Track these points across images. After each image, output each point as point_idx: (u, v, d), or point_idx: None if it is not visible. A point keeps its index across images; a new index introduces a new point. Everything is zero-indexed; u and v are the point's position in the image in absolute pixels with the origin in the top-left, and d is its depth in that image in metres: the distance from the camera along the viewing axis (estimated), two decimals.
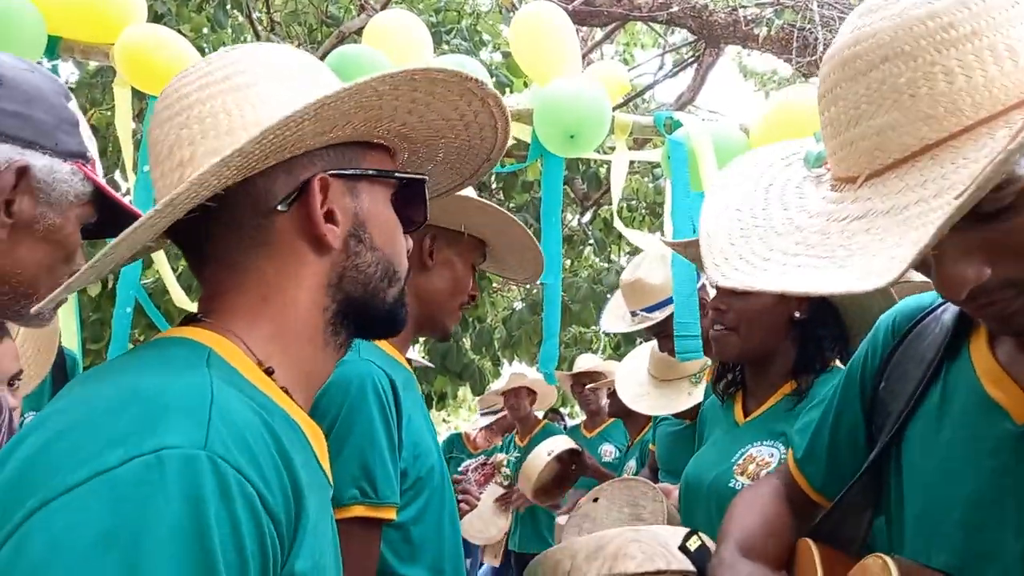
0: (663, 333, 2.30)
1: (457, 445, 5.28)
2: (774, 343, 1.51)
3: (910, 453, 0.84)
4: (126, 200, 1.01)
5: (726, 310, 1.53)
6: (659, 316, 2.28)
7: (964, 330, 0.84)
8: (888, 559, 0.70)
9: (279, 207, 0.73)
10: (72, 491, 0.53)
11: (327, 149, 0.75)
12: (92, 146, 0.96)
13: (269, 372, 0.72)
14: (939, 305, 0.91)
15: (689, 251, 1.68)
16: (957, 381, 0.82)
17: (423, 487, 1.25)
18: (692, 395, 2.47)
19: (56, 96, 0.92)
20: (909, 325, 0.92)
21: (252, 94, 0.72)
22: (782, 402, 1.50)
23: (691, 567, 0.88)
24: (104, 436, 0.56)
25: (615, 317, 2.57)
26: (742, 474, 1.44)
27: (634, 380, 2.74)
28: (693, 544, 0.89)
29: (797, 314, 1.48)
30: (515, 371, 4.76)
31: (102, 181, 0.96)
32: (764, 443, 1.46)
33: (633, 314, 2.37)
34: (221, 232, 0.74)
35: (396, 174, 0.82)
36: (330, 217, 0.74)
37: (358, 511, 1.12)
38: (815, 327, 1.48)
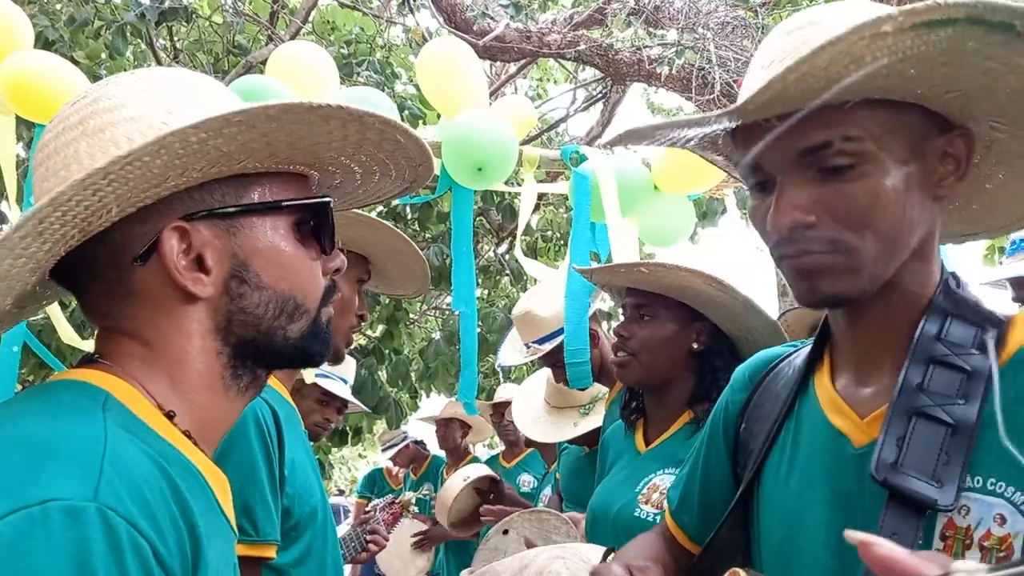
0: (555, 364, 2.34)
1: (379, 481, 5.17)
2: (673, 371, 1.56)
3: (767, 487, 0.88)
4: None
5: (629, 337, 1.58)
6: (547, 347, 2.31)
7: (812, 367, 0.89)
8: (742, 571, 0.72)
9: (136, 261, 0.69)
10: None
11: (194, 190, 0.71)
12: None
13: (170, 416, 0.69)
14: (793, 352, 0.96)
15: (600, 278, 1.72)
16: (806, 415, 0.86)
17: (305, 529, 1.22)
18: (579, 425, 2.52)
19: None
20: (765, 371, 0.97)
21: (105, 139, 0.68)
22: (681, 431, 1.54)
23: None
24: None
25: (512, 350, 2.59)
26: (647, 503, 1.47)
27: (529, 406, 2.79)
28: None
29: (695, 345, 1.54)
30: (436, 406, 4.72)
31: None
32: (667, 471, 1.49)
33: (527, 346, 2.40)
34: (88, 284, 0.72)
35: (283, 203, 0.76)
36: (200, 262, 0.71)
37: (238, 550, 1.08)
38: (712, 358, 1.53)
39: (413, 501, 3.18)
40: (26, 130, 2.89)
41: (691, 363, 1.55)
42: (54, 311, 2.35)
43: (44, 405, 0.64)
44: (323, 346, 0.80)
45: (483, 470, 3.02)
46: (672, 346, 1.54)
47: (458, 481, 2.93)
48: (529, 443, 3.81)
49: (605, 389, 2.55)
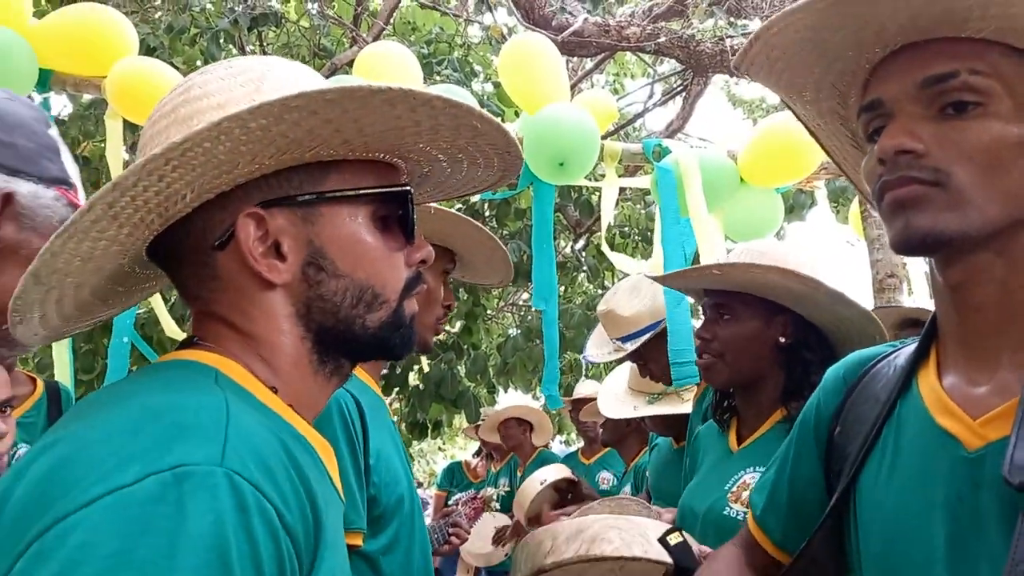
0: (639, 361, 2.31)
1: (457, 475, 5.23)
2: (761, 369, 1.51)
3: (866, 493, 0.83)
4: None
5: (711, 339, 1.53)
6: (630, 347, 2.28)
7: (915, 367, 0.84)
8: None
9: (216, 246, 0.71)
10: (86, 508, 0.52)
11: (271, 177, 0.71)
12: (74, 172, 0.97)
13: (274, 390, 0.71)
14: (892, 352, 0.91)
15: (674, 283, 1.68)
16: (908, 416, 0.81)
17: (392, 517, 1.23)
18: (638, 409, 2.48)
19: (37, 123, 0.92)
20: (861, 371, 0.92)
21: (192, 126, 0.69)
22: (774, 429, 1.48)
23: (668, 559, 0.87)
24: (119, 454, 0.55)
25: (598, 345, 2.57)
26: (736, 501, 1.43)
27: (613, 388, 2.74)
28: (674, 539, 0.88)
29: (782, 339, 1.48)
30: (508, 402, 4.74)
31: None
32: (757, 469, 1.45)
33: (613, 341, 2.39)
34: (178, 268, 0.75)
35: (360, 191, 0.75)
36: (277, 248, 0.71)
37: None
38: (801, 351, 1.47)
39: (495, 497, 3.20)
40: (131, 134, 3.05)
41: (779, 358, 1.49)
42: (157, 304, 2.48)
43: (161, 380, 0.66)
44: (403, 340, 0.78)
45: (561, 471, 3.01)
46: (757, 343, 1.49)
47: (535, 484, 2.94)
48: (607, 441, 3.77)
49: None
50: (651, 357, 2.26)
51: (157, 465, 0.54)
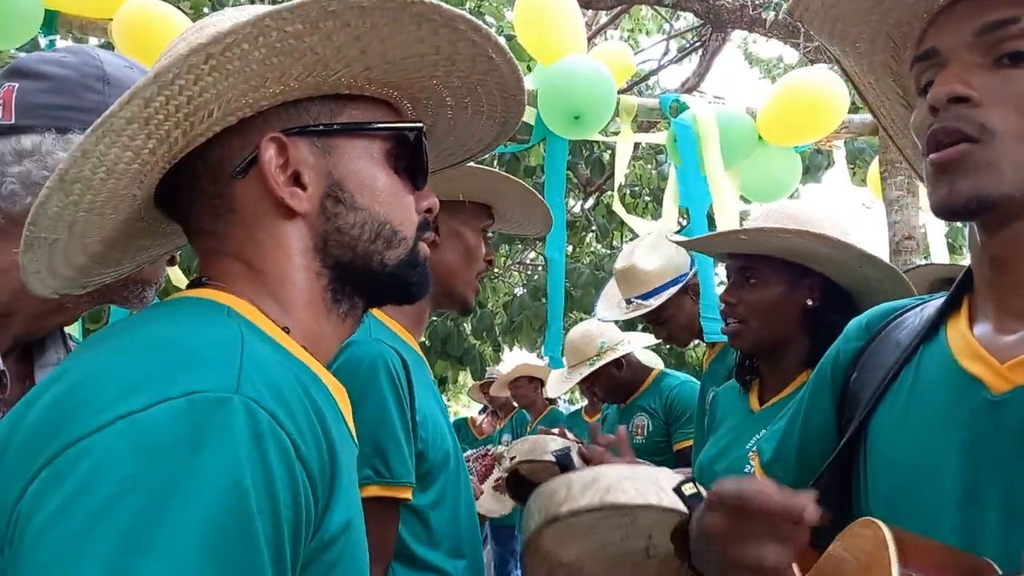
0: (658, 320, 2.30)
1: (463, 431, 5.28)
2: (788, 333, 1.47)
3: (877, 436, 0.82)
4: None
5: (736, 303, 1.50)
6: (654, 303, 2.27)
7: (945, 316, 0.83)
8: (882, 525, 0.64)
9: (234, 174, 0.70)
10: (97, 433, 0.51)
11: (289, 106, 0.71)
12: None
13: (287, 330, 0.70)
14: (921, 303, 0.89)
15: (699, 246, 1.65)
16: (930, 361, 0.80)
17: (439, 473, 1.23)
18: (581, 372, 2.78)
19: (95, 80, 0.91)
20: (886, 320, 0.91)
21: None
22: (799, 390, 1.47)
23: (682, 507, 0.87)
24: (130, 380, 0.54)
25: (610, 305, 2.56)
26: (755, 460, 1.42)
27: (559, 373, 3.10)
28: (688, 489, 0.87)
29: (809, 302, 1.45)
30: (518, 361, 4.79)
31: None
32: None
33: (628, 301, 2.37)
34: (190, 203, 0.73)
35: (377, 125, 0.75)
36: (297, 179, 0.70)
37: (373, 491, 1.11)
38: (828, 313, 1.43)
39: (506, 455, 3.24)
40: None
41: (806, 321, 1.46)
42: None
43: (172, 314, 0.65)
44: (420, 278, 0.78)
45: (559, 443, 3.04)
46: (784, 307, 1.45)
47: (544, 453, 2.98)
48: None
49: (615, 339, 2.76)
50: (670, 315, 2.25)
51: (169, 391, 0.53)
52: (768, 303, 1.46)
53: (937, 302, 0.86)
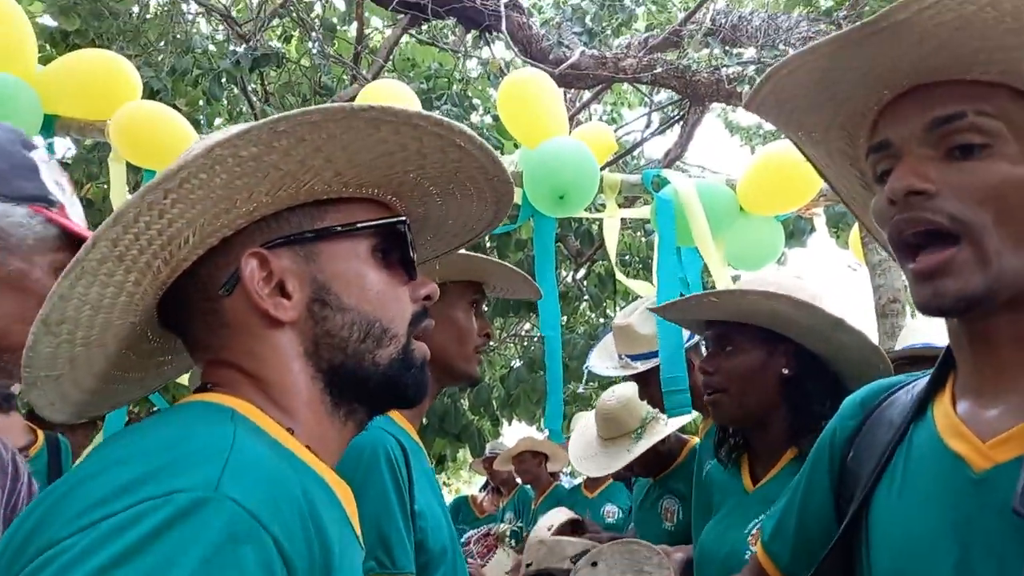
0: (644, 384, 2.30)
1: (464, 510, 5.16)
2: (767, 402, 1.48)
3: (876, 517, 0.84)
4: None
5: (714, 372, 1.51)
6: (640, 367, 2.27)
7: (931, 394, 0.85)
8: None
9: (221, 291, 0.72)
10: (78, 533, 0.52)
11: (270, 218, 0.73)
12: (62, 194, 0.96)
13: (291, 431, 0.71)
14: (911, 381, 0.92)
15: (671, 314, 1.67)
16: (920, 440, 0.82)
17: (438, 564, 1.23)
18: (632, 450, 2.48)
19: (11, 144, 0.93)
20: (879, 398, 0.93)
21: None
22: (788, 467, 1.46)
23: None
24: (118, 483, 0.55)
25: (604, 357, 2.56)
26: (756, 544, 1.41)
27: (583, 442, 2.75)
28: None
29: (785, 371, 1.46)
30: (517, 434, 4.72)
31: (72, 223, 0.94)
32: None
33: (620, 357, 2.38)
34: (186, 320, 0.75)
35: (357, 225, 0.76)
36: (282, 288, 0.72)
37: None
38: (804, 382, 1.45)
39: (508, 533, 3.17)
40: (134, 176, 3.08)
41: (784, 390, 1.47)
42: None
43: (175, 418, 0.67)
44: (415, 382, 0.78)
45: (564, 515, 2.98)
46: (761, 374, 1.46)
47: (542, 531, 2.91)
48: (615, 475, 3.75)
49: (655, 411, 2.53)
50: (654, 381, 2.25)
51: (151, 491, 0.54)
52: (745, 370, 1.47)
53: (925, 380, 0.88)
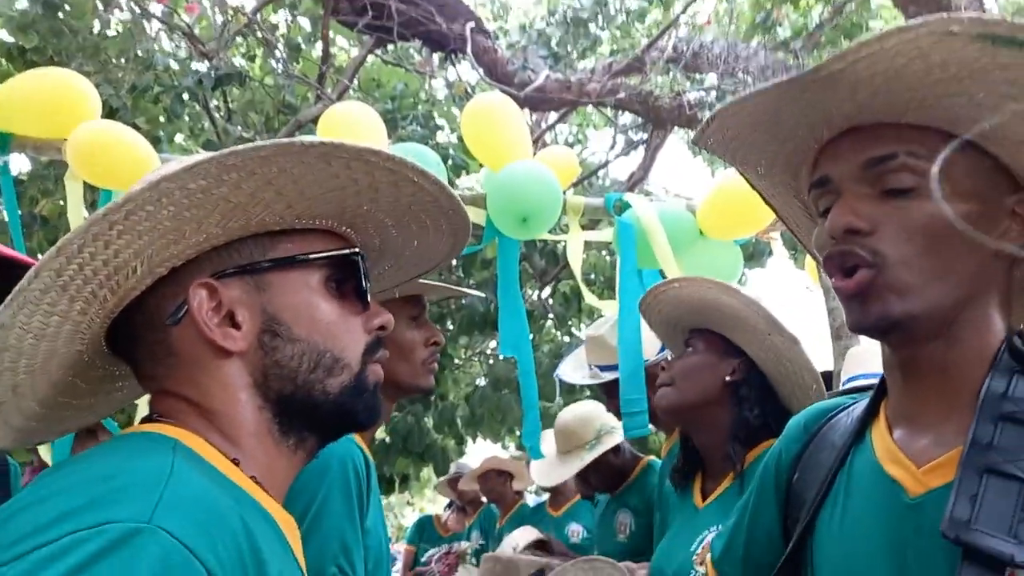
0: (611, 395, 2.34)
1: (428, 529, 5.11)
2: (707, 399, 1.54)
3: (819, 539, 0.86)
4: None
5: (667, 368, 1.61)
6: (607, 377, 2.32)
7: (868, 419, 0.88)
8: None
9: (169, 321, 0.72)
10: (12, 562, 0.51)
11: (222, 249, 0.73)
12: None
13: (236, 462, 0.70)
14: (852, 403, 0.95)
15: (643, 308, 1.72)
16: (860, 464, 0.85)
17: None
18: (583, 459, 2.61)
19: None
20: (821, 421, 0.96)
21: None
22: (731, 487, 1.51)
23: None
24: (53, 513, 0.55)
25: (575, 367, 2.61)
26: (701, 564, 1.43)
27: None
28: None
29: (729, 376, 1.53)
30: (482, 453, 4.71)
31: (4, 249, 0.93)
32: (720, 527, 1.45)
33: (590, 367, 2.42)
34: (134, 350, 0.75)
35: (308, 256, 0.76)
36: (232, 318, 0.72)
37: None
38: (745, 389, 1.52)
39: (470, 552, 3.15)
40: (90, 193, 3.03)
41: (727, 397, 1.54)
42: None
43: (116, 449, 0.66)
44: (367, 407, 0.78)
45: (530, 534, 2.99)
46: (707, 373, 1.55)
47: (507, 550, 2.91)
48: (580, 493, 3.75)
49: (611, 425, 2.65)
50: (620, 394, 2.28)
51: (83, 523, 0.54)
52: (694, 367, 1.57)
53: (865, 402, 0.91)
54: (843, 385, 1.88)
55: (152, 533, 0.54)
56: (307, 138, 0.70)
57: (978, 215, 0.75)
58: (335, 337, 0.76)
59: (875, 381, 0.91)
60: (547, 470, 2.94)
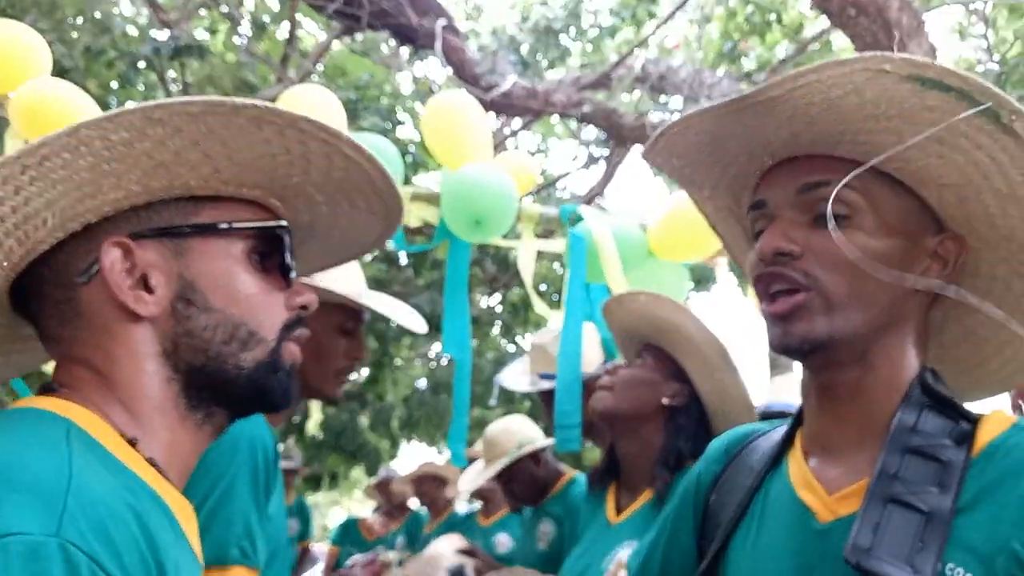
0: (548, 403, 2.36)
1: (352, 532, 5.01)
2: (640, 414, 1.55)
3: (732, 561, 0.88)
4: None
5: (611, 372, 1.62)
6: (547, 385, 2.34)
7: (787, 444, 0.90)
8: None
9: (79, 279, 0.68)
10: None
11: (141, 209, 0.70)
12: None
13: (133, 443, 0.67)
14: (771, 429, 0.97)
15: (606, 314, 1.73)
16: (775, 489, 0.87)
17: (269, 568, 1.22)
18: (502, 462, 2.68)
19: None
20: (742, 444, 0.98)
21: None
22: (646, 505, 1.51)
23: None
24: None
25: (518, 374, 2.62)
26: None
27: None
28: None
29: (667, 399, 1.54)
30: (413, 455, 4.68)
31: None
32: (635, 543, 1.45)
33: (534, 375, 2.44)
34: (39, 308, 0.71)
35: (232, 224, 0.73)
36: (145, 283, 0.69)
37: (239, 572, 1.11)
38: (680, 416, 1.53)
39: (396, 561, 3.09)
40: None
41: (659, 416, 1.55)
42: None
43: (6, 434, 0.62)
44: (280, 386, 0.75)
45: (456, 543, 2.97)
46: (646, 389, 1.56)
47: (432, 563, 2.89)
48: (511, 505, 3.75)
49: (534, 437, 2.74)
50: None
51: None
52: (636, 379, 1.58)
53: (784, 428, 0.93)
54: (759, 412, 1.93)
55: (61, 548, 0.52)
56: (240, 100, 0.67)
57: (902, 251, 0.79)
58: (253, 311, 0.73)
59: (792, 410, 0.93)
60: (471, 476, 3.09)
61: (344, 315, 1.47)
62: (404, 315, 1.62)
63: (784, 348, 0.81)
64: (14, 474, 0.55)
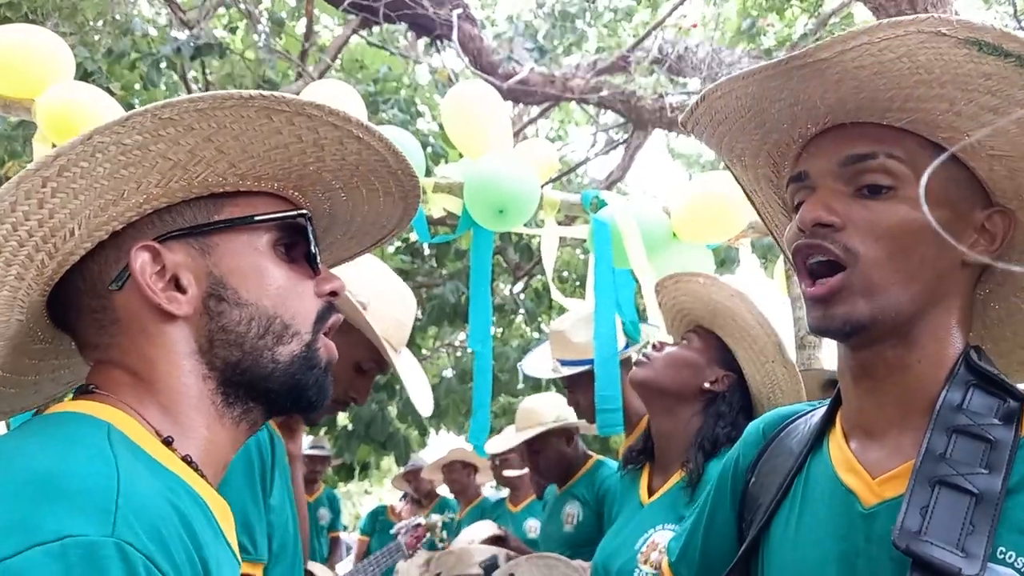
0: (571, 389, 2.38)
1: (381, 519, 5.09)
2: (680, 394, 1.54)
3: (773, 543, 0.87)
4: None
5: (659, 350, 1.60)
6: (567, 372, 2.34)
7: (827, 426, 0.89)
8: None
9: (112, 286, 0.70)
10: None
11: (164, 212, 0.71)
12: None
13: (168, 443, 0.68)
14: (810, 410, 0.96)
15: (660, 296, 1.71)
16: (817, 472, 0.86)
17: (276, 563, 1.24)
18: (536, 430, 2.70)
19: None
20: (780, 426, 0.97)
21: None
22: (677, 486, 1.50)
23: None
24: (1, 521, 0.52)
25: (541, 360, 2.63)
26: (646, 562, 1.43)
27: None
28: None
29: (708, 384, 1.52)
30: (443, 445, 4.71)
31: None
32: (666, 526, 1.45)
33: (553, 361, 2.45)
34: (76, 318, 0.73)
35: (254, 217, 0.74)
36: (176, 283, 0.70)
37: (242, 568, 1.12)
38: (722, 404, 1.51)
39: (440, 525, 3.11)
40: None
41: (701, 402, 1.53)
42: None
43: (49, 440, 0.62)
44: (318, 383, 0.75)
45: (488, 529, 2.99)
46: (689, 371, 1.54)
47: (463, 545, 2.91)
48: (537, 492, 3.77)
49: (570, 418, 2.71)
50: (582, 390, 2.29)
51: (41, 535, 0.51)
52: (680, 358, 1.56)
53: (823, 410, 0.92)
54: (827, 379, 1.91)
55: (118, 547, 0.53)
56: (247, 91, 0.67)
57: (949, 225, 0.75)
58: (285, 302, 0.73)
59: None
60: (500, 440, 3.07)
61: (368, 355, 1.44)
62: (418, 391, 1.58)
63: (824, 330, 0.79)
64: (64, 479, 0.56)
